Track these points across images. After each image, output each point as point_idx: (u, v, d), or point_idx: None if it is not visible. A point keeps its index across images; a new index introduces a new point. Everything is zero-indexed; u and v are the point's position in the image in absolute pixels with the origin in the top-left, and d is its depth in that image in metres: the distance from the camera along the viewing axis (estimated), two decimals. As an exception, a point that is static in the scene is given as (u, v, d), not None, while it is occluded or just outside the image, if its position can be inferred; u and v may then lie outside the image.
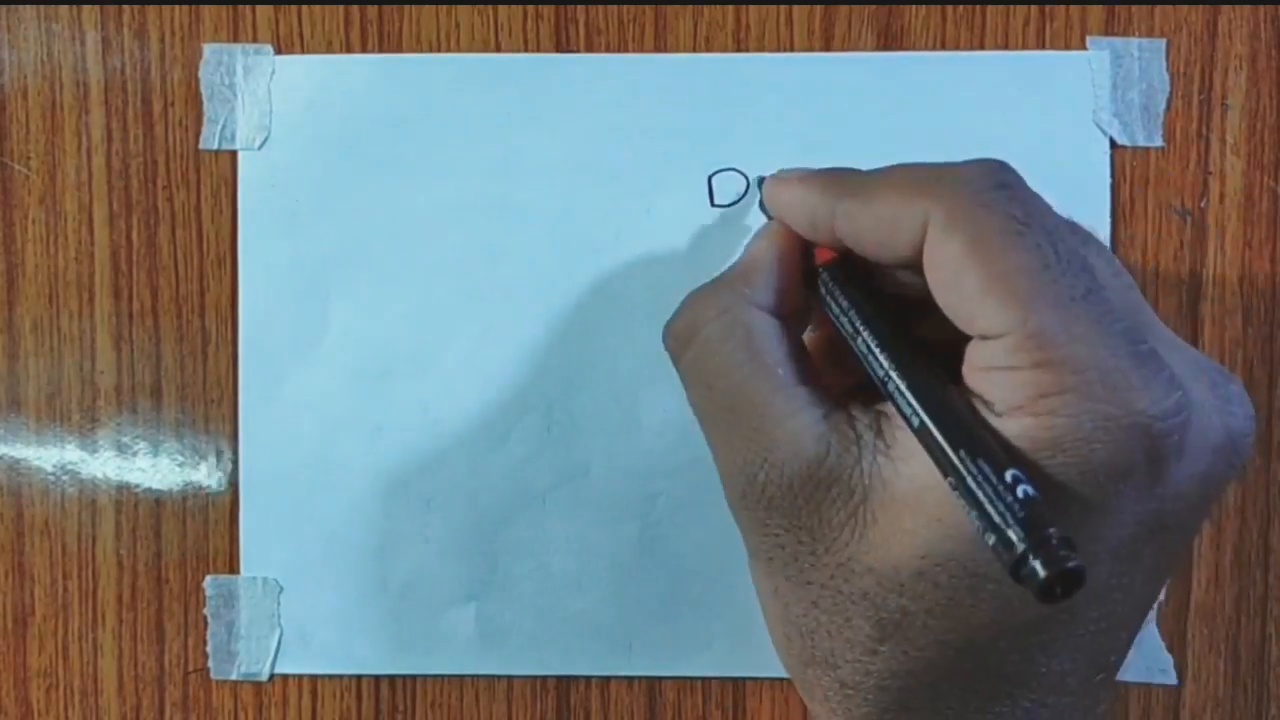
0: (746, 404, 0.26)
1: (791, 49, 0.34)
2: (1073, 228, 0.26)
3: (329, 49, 0.35)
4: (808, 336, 0.29)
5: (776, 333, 0.27)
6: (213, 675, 0.35)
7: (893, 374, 0.25)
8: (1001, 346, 0.23)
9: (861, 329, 0.26)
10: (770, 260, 0.28)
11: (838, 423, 0.26)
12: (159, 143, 0.35)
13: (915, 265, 0.25)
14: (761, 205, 0.32)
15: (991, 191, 0.24)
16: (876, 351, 0.25)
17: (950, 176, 0.25)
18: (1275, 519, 0.34)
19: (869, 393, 0.26)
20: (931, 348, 0.25)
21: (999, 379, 0.23)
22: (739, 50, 0.34)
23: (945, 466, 0.23)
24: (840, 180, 0.27)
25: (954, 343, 0.24)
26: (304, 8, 0.35)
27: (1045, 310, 0.22)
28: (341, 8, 0.35)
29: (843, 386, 0.28)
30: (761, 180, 0.32)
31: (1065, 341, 0.22)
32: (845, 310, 0.27)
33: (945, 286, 0.24)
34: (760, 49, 0.34)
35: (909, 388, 0.24)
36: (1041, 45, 0.34)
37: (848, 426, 0.25)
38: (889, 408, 0.25)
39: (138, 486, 0.35)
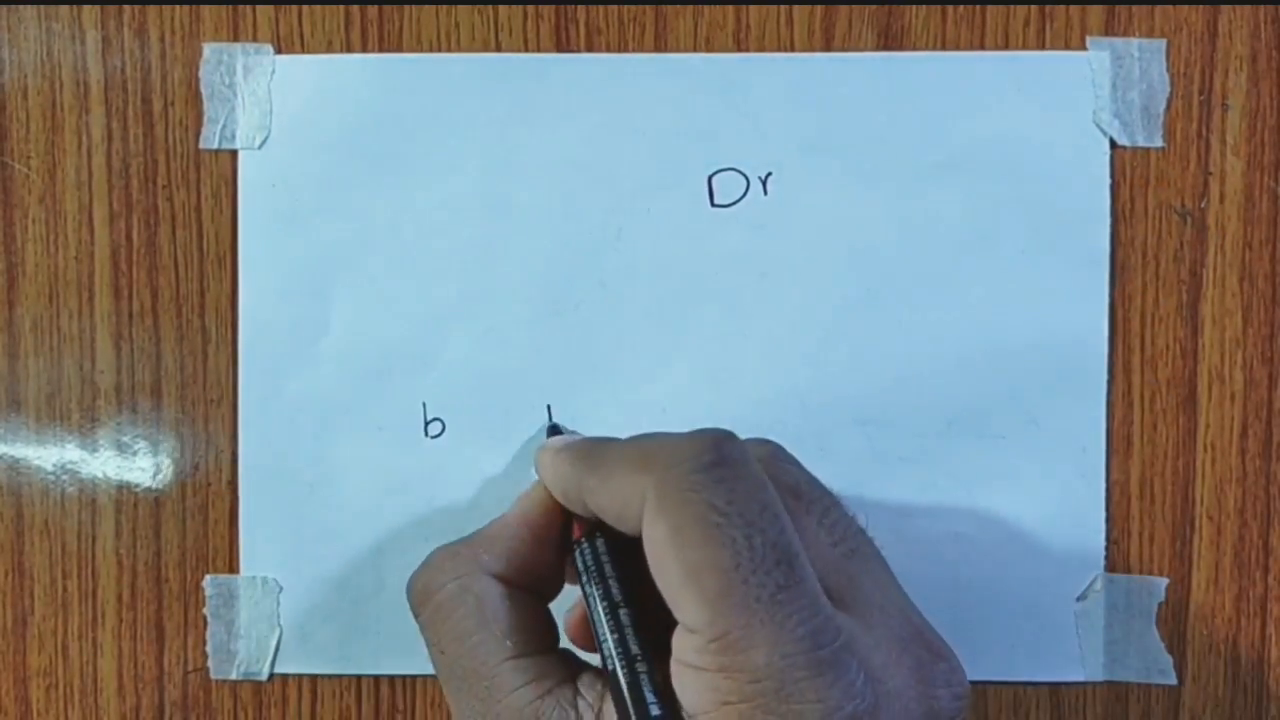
0: (474, 673, 0.26)
1: (792, 49, 0.34)
2: (768, 491, 0.24)
3: (329, 49, 0.35)
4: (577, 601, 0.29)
5: (513, 604, 0.27)
6: (212, 675, 0.35)
7: (609, 650, 0.25)
8: (693, 643, 0.23)
9: (596, 603, 0.26)
10: (515, 528, 0.28)
11: (560, 698, 0.26)
12: (159, 142, 0.35)
13: None
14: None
15: (698, 474, 0.24)
16: (600, 627, 0.26)
17: (665, 455, 0.24)
18: (1275, 520, 0.34)
19: None
20: (667, 622, 0.25)
21: (689, 678, 0.23)
22: (739, 50, 0.34)
23: None
24: (588, 454, 0.27)
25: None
26: (304, 7, 0.35)
27: (730, 612, 0.22)
28: (341, 8, 0.35)
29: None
30: (552, 433, 0.33)
31: (745, 648, 0.22)
32: (586, 584, 0.27)
33: (655, 568, 0.24)
34: (760, 49, 0.34)
35: (620, 670, 0.25)
36: (1042, 45, 0.34)
37: (568, 705, 0.25)
38: None
39: (137, 486, 0.35)
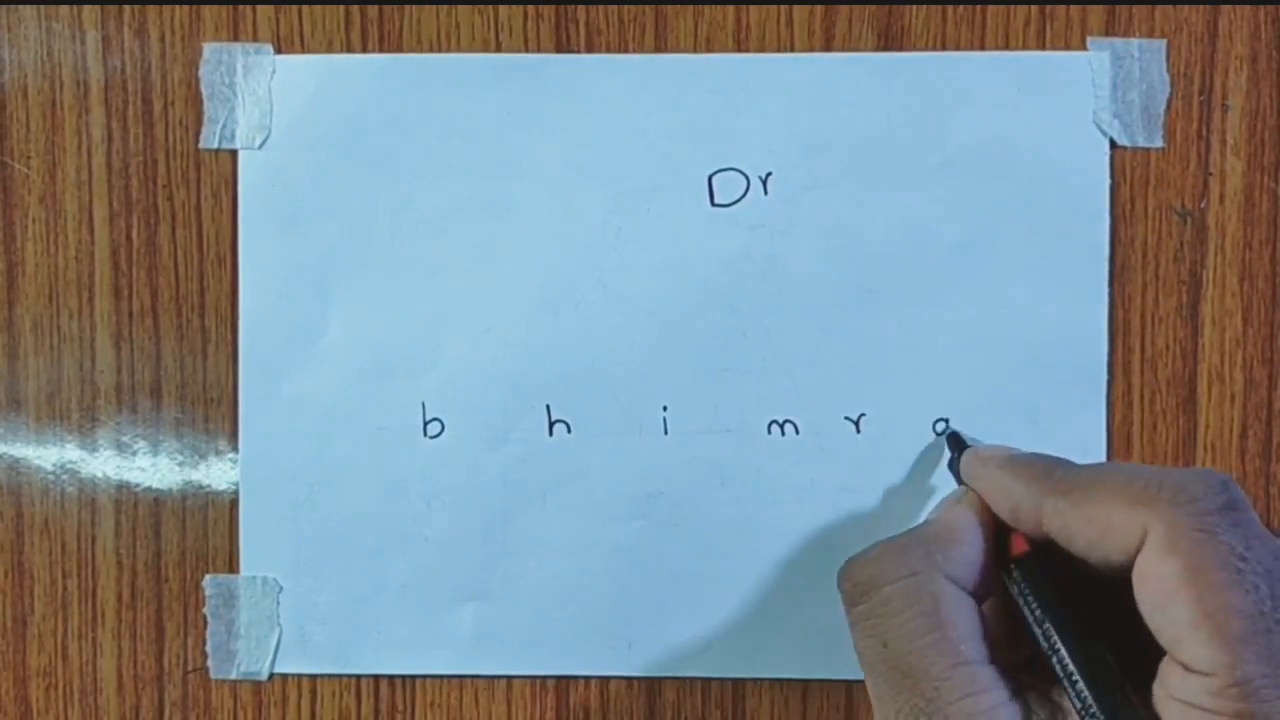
0: (923, 673, 0.26)
1: (792, 49, 0.34)
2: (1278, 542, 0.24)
3: (329, 49, 0.35)
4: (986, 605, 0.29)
5: (965, 608, 0.27)
6: (212, 675, 0.35)
7: (1080, 682, 0.25)
8: (1203, 685, 0.22)
9: (1053, 630, 0.26)
10: (968, 532, 0.28)
11: (1011, 712, 0.25)
12: (159, 142, 0.35)
13: (1124, 571, 0.25)
14: (951, 466, 0.32)
15: (1215, 514, 0.23)
16: (1066, 656, 0.26)
17: (1173, 489, 0.24)
18: (1275, 521, 0.34)
19: (1038, 671, 0.27)
20: (1123, 646, 0.25)
21: (1193, 717, 0.23)
22: (739, 50, 0.34)
23: None
24: (1049, 474, 0.27)
25: (1145, 641, 0.24)
26: (304, 7, 0.35)
27: (1254, 661, 0.22)
28: (342, 7, 0.35)
29: (1012, 659, 0.28)
30: (955, 441, 0.33)
31: (1271, 697, 0.22)
32: (1038, 606, 0.27)
33: (1154, 606, 0.24)
34: (761, 49, 0.34)
35: (1096, 701, 0.25)
36: (1042, 46, 0.34)
37: (1022, 718, 0.25)
38: (1065, 702, 0.26)
39: (137, 486, 0.35)
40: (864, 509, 0.34)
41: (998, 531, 0.28)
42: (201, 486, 0.35)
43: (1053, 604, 0.26)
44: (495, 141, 0.34)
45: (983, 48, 0.34)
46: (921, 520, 0.31)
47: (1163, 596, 0.23)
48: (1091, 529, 0.25)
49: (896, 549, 0.28)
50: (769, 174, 0.34)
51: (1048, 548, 0.27)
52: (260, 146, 0.34)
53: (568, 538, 0.34)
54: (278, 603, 0.35)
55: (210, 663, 0.35)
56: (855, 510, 0.34)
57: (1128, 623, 0.25)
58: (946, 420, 0.34)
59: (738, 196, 0.34)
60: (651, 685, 0.35)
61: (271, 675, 0.35)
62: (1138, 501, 0.24)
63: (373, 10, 0.35)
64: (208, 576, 0.35)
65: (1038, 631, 0.27)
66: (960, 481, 0.31)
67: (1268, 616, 0.22)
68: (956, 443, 0.33)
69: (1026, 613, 0.27)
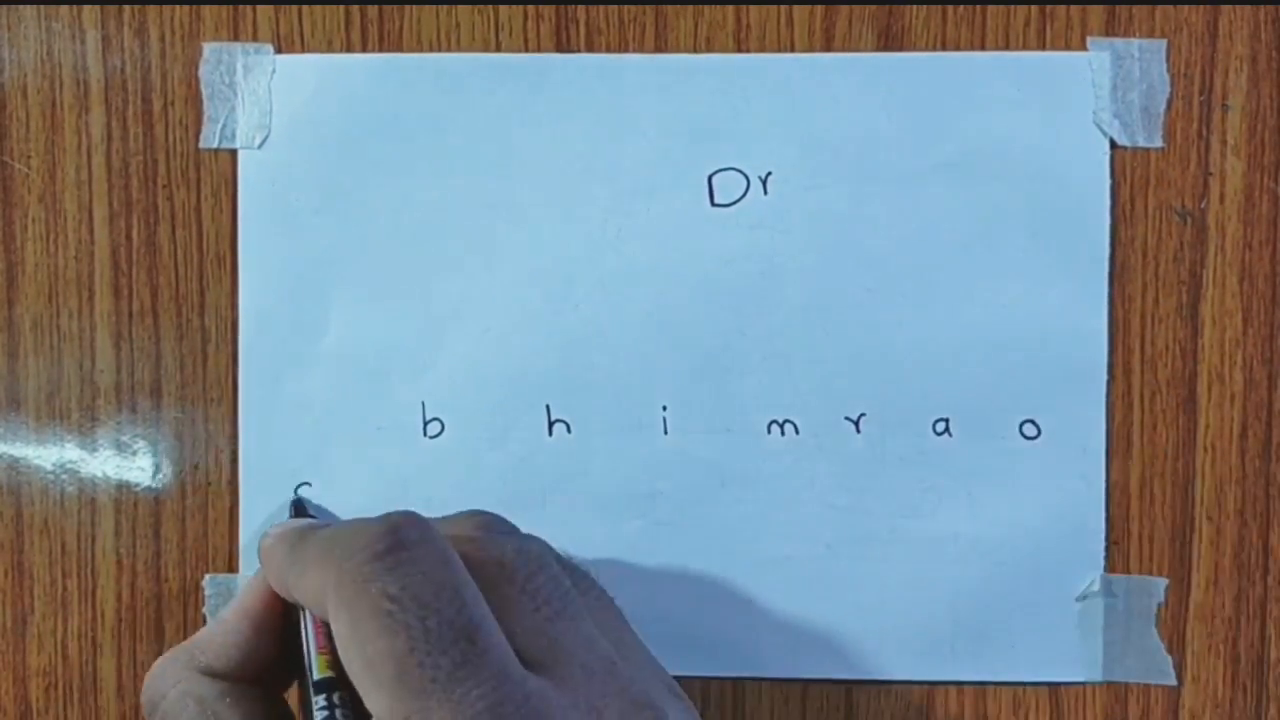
0: None
1: (792, 49, 0.34)
2: (455, 568, 0.24)
3: (329, 48, 0.35)
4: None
5: (228, 699, 0.27)
6: (212, 674, 0.35)
7: None
8: None
9: (308, 688, 0.26)
10: (235, 622, 0.28)
11: None
12: (159, 141, 0.35)
13: None
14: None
15: (371, 563, 0.24)
16: (312, 711, 0.26)
17: (342, 545, 0.24)
18: (1274, 521, 0.34)
19: None
20: None
21: None
22: (739, 50, 0.34)
23: None
24: (293, 544, 0.27)
25: None
26: (304, 7, 0.35)
27: (407, 697, 0.22)
28: (342, 7, 0.35)
29: None
30: (296, 509, 0.33)
31: None
32: (305, 661, 0.27)
33: (344, 661, 0.24)
34: (761, 49, 0.34)
35: None
36: (1042, 46, 0.34)
37: None
38: None
39: (137, 485, 0.35)
40: (864, 509, 0.34)
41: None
42: (201, 486, 0.35)
43: (306, 665, 0.26)
44: (495, 141, 0.34)
45: (983, 48, 0.34)
46: None
47: (342, 652, 0.24)
48: (309, 594, 0.25)
49: (168, 661, 0.28)
50: (769, 174, 0.34)
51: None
52: (260, 146, 0.34)
53: (567, 538, 0.34)
54: (277, 602, 0.35)
55: (210, 662, 0.35)
56: (855, 510, 0.34)
57: None
58: (947, 420, 0.34)
59: (738, 196, 0.34)
60: (651, 685, 0.35)
61: (271, 675, 0.35)
62: (323, 562, 0.25)
63: (372, 10, 0.35)
64: (207, 576, 0.35)
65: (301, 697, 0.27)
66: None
67: (418, 651, 0.23)
68: (298, 512, 0.33)
69: (309, 672, 0.27)
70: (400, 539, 0.24)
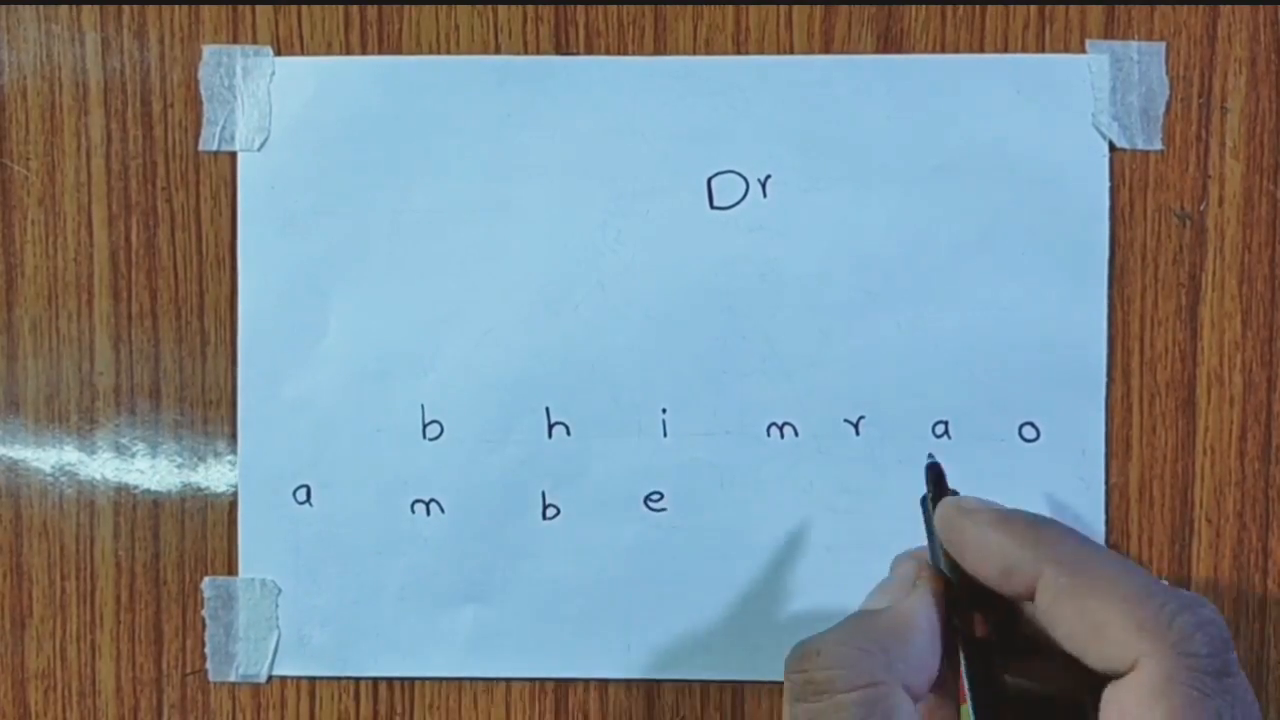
0: None
1: (791, 51, 0.34)
2: (1258, 713, 0.24)
3: (328, 51, 0.35)
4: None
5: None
6: (210, 677, 0.35)
7: None
8: None
9: None
10: (925, 630, 0.27)
11: None
12: (158, 144, 0.35)
13: (1096, 679, 0.25)
14: (925, 504, 0.30)
15: (1213, 677, 0.23)
16: None
17: (1180, 634, 0.24)
18: (1274, 523, 0.34)
19: None
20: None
21: None
22: (739, 52, 0.34)
23: None
24: (1050, 542, 0.26)
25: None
26: (303, 9, 0.35)
27: None
28: (341, 9, 0.35)
29: None
30: (935, 475, 0.30)
31: None
32: (979, 697, 0.26)
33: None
34: (760, 51, 0.34)
35: None
36: (1041, 48, 0.34)
37: None
38: None
39: (136, 488, 0.35)
40: (863, 511, 0.34)
41: (950, 610, 0.28)
42: (200, 488, 0.35)
43: (998, 696, 0.26)
44: (495, 143, 0.34)
45: (982, 50, 0.34)
46: (881, 589, 0.30)
47: None
48: (1083, 625, 0.25)
49: (857, 651, 0.26)
50: (768, 176, 0.34)
51: (1002, 606, 0.26)
52: (259, 148, 0.34)
53: (566, 539, 0.34)
54: (276, 605, 0.35)
55: (209, 665, 0.35)
56: (854, 512, 0.34)
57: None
58: (946, 422, 0.34)
59: (737, 199, 0.34)
60: (650, 687, 0.35)
61: (270, 677, 0.35)
62: (1143, 628, 0.24)
63: (372, 12, 0.35)
64: (206, 579, 0.35)
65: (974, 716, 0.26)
66: (928, 523, 0.30)
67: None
68: (937, 477, 0.30)
69: (969, 697, 0.26)
70: (1231, 660, 0.24)
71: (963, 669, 0.27)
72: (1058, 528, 0.27)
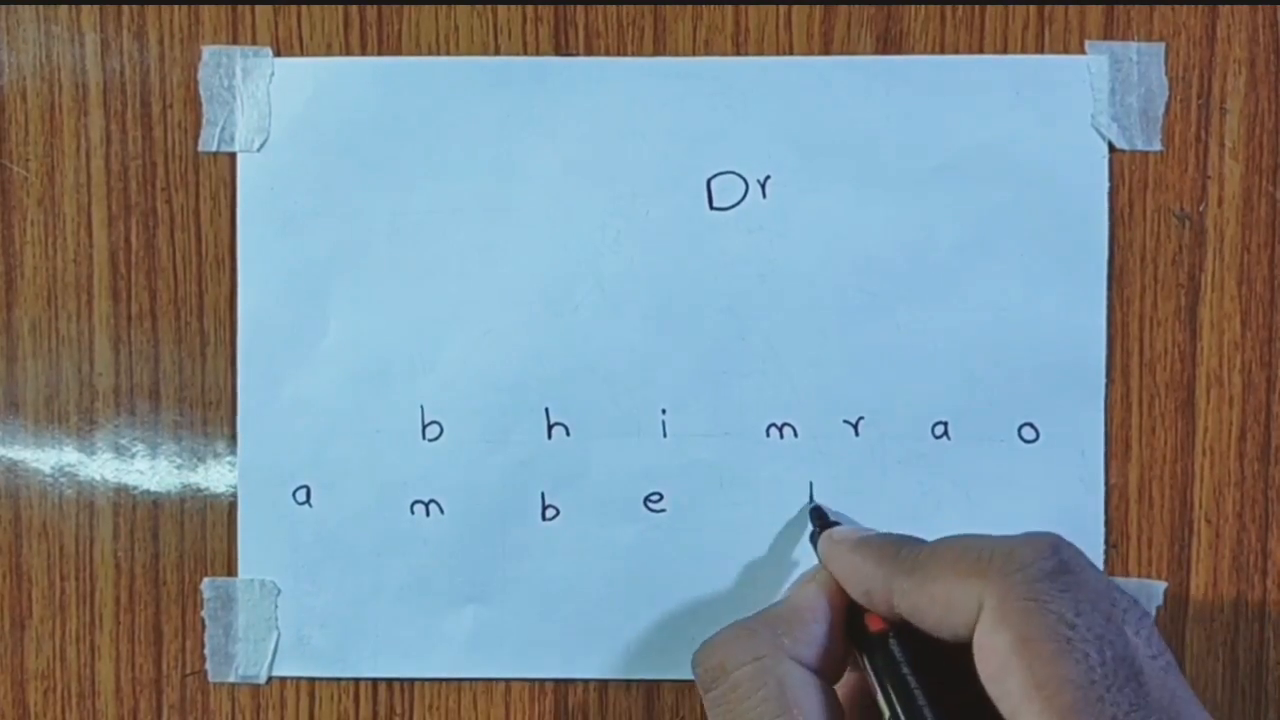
0: None
1: (790, 52, 0.34)
2: (1114, 599, 0.24)
3: (328, 51, 0.35)
4: (839, 687, 0.29)
5: (812, 689, 0.27)
6: (210, 678, 0.35)
7: None
8: None
9: (900, 709, 0.26)
10: (816, 611, 0.28)
11: None
12: (158, 145, 0.35)
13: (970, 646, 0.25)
14: (813, 539, 0.32)
15: (1044, 581, 0.23)
16: None
17: (1003, 557, 0.24)
18: (1273, 524, 0.34)
19: None
20: None
21: None
22: (738, 53, 0.34)
23: None
24: (895, 553, 0.27)
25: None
26: (303, 10, 0.35)
27: None
28: (340, 10, 0.35)
29: None
30: (817, 516, 0.33)
31: None
32: (890, 685, 0.26)
33: (990, 678, 0.24)
34: (759, 52, 0.34)
35: None
36: (1040, 49, 0.34)
37: None
38: None
39: (136, 489, 0.35)
40: (862, 511, 0.34)
41: (851, 609, 0.28)
42: (200, 489, 0.35)
43: (904, 683, 0.26)
44: (494, 144, 0.34)
45: (981, 51, 0.34)
46: (780, 597, 0.32)
47: (997, 669, 0.23)
48: (935, 606, 0.25)
49: (744, 632, 0.28)
50: (768, 177, 0.34)
51: (902, 625, 0.27)
52: (259, 149, 0.34)
53: (566, 540, 0.34)
54: (276, 605, 0.35)
55: (208, 666, 0.35)
56: (854, 513, 0.34)
57: (981, 700, 0.25)
58: (945, 423, 0.34)
59: (736, 200, 0.34)
60: (650, 688, 0.35)
61: (270, 678, 0.35)
62: (971, 573, 0.24)
63: (371, 13, 0.35)
64: (206, 579, 0.35)
65: (888, 711, 0.26)
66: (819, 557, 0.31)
67: (1098, 684, 0.22)
68: (819, 518, 0.33)
69: (879, 693, 0.27)
70: (1065, 561, 0.24)
71: (865, 664, 0.28)
72: (906, 541, 0.28)
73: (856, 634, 0.28)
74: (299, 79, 0.34)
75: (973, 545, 0.25)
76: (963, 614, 0.24)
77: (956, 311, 0.34)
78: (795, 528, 0.34)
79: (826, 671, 0.28)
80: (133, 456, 0.35)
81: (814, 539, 0.32)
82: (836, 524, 0.32)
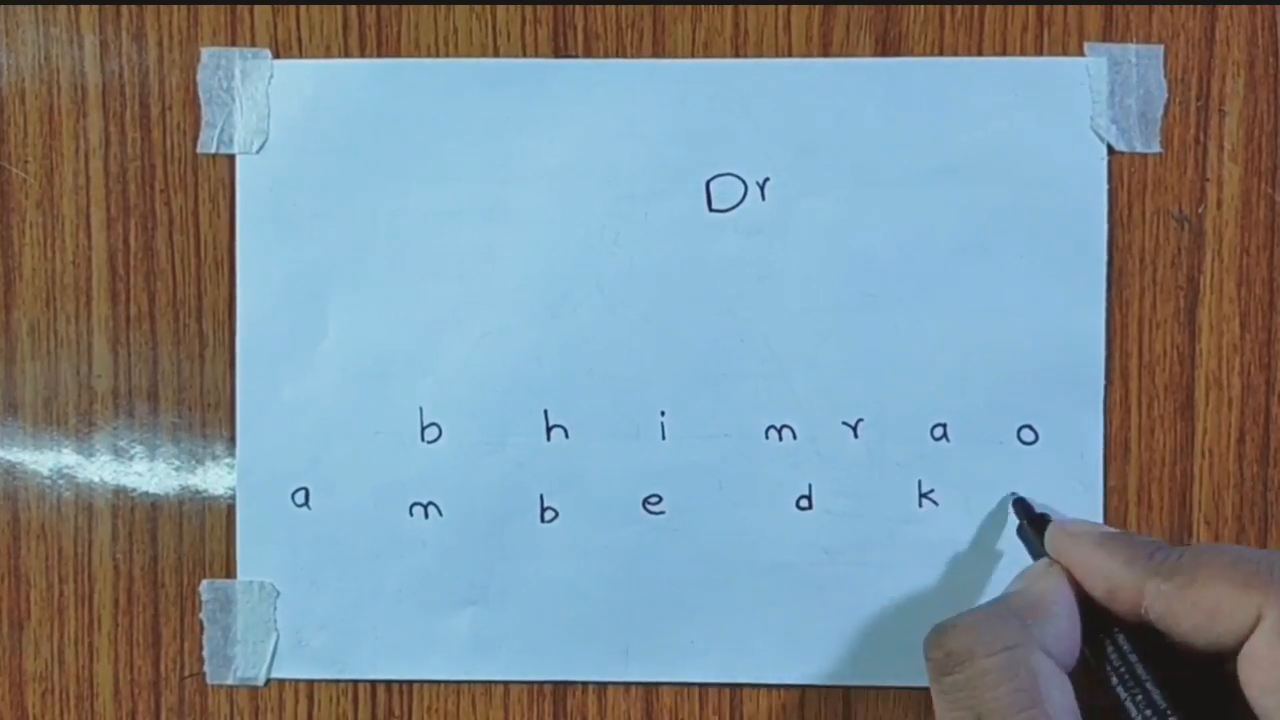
0: None
1: (790, 54, 0.34)
2: None
3: (327, 53, 0.35)
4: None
5: (1061, 685, 0.26)
6: (209, 680, 0.35)
7: None
8: None
9: (1150, 708, 0.26)
10: (1062, 605, 0.28)
11: None
12: (157, 146, 0.35)
13: (1229, 654, 0.25)
14: (1021, 534, 0.32)
15: None
16: None
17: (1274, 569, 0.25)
18: (1272, 525, 0.34)
19: None
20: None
21: None
22: (737, 55, 0.34)
23: None
24: (1149, 555, 0.27)
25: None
26: (302, 11, 0.35)
27: None
28: (339, 11, 0.35)
29: None
30: (1023, 509, 0.33)
31: None
32: (1133, 684, 0.27)
33: (1264, 689, 0.24)
34: (758, 54, 0.34)
35: None
36: (1039, 51, 0.34)
37: None
38: None
39: (134, 491, 0.35)
40: (862, 513, 0.34)
41: (1084, 605, 0.28)
42: (199, 491, 0.35)
43: (1150, 681, 0.26)
44: (493, 146, 0.34)
45: (980, 53, 0.34)
46: (1013, 588, 0.31)
47: (1275, 681, 0.24)
48: (1198, 612, 0.25)
49: (992, 619, 0.27)
50: (767, 179, 0.34)
51: (1136, 627, 0.27)
52: (258, 151, 0.34)
53: (565, 542, 0.34)
54: (275, 608, 0.35)
55: (207, 668, 0.35)
56: (853, 514, 0.34)
57: (1221, 706, 0.25)
58: (945, 425, 0.34)
59: (735, 201, 0.34)
60: (649, 691, 0.35)
61: (268, 680, 0.35)
62: (1250, 584, 0.25)
63: (370, 14, 0.35)
64: (204, 581, 0.35)
65: (1133, 708, 0.26)
66: (1032, 550, 0.31)
67: None
68: (1025, 511, 0.33)
69: (1121, 690, 0.27)
70: None
71: (1111, 660, 0.27)
72: (1157, 544, 0.28)
73: (1095, 631, 0.28)
74: (298, 81, 0.34)
75: (1248, 555, 0.26)
76: (1233, 623, 0.25)
77: (955, 313, 0.34)
78: (796, 528, 0.34)
79: (1066, 666, 0.27)
80: (131, 458, 0.35)
81: (1021, 531, 0.32)
82: (1044, 516, 0.32)
